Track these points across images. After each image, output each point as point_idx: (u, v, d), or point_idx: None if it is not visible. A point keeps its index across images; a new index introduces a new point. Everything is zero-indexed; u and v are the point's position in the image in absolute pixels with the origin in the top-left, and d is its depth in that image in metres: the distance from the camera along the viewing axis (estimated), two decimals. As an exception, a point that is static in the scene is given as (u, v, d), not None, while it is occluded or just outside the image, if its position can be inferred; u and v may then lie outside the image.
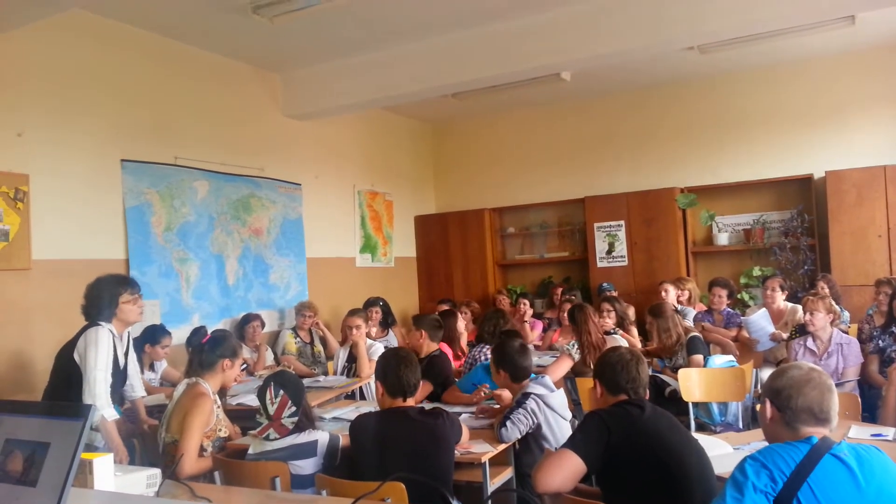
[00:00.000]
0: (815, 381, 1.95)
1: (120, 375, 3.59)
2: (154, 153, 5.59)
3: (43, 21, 4.60)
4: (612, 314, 5.62)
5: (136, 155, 5.45)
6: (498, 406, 3.84)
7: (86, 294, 3.60)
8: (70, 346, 3.52)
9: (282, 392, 3.12)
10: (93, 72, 5.18)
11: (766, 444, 2.03)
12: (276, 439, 3.08)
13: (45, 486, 1.46)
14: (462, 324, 5.83)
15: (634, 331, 5.84)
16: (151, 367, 5.08)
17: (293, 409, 3.11)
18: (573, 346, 4.80)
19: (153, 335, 5.00)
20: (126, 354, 3.70)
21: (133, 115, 5.45)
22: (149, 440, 3.82)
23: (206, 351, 3.47)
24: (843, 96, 7.21)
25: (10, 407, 1.64)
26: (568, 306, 5.74)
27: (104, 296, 3.57)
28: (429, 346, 4.67)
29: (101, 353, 3.43)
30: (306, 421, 3.18)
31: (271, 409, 3.11)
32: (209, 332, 3.86)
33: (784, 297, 5.85)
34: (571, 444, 2.49)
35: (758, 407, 3.05)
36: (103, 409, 3.38)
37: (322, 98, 6.80)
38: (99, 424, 3.36)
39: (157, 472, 2.29)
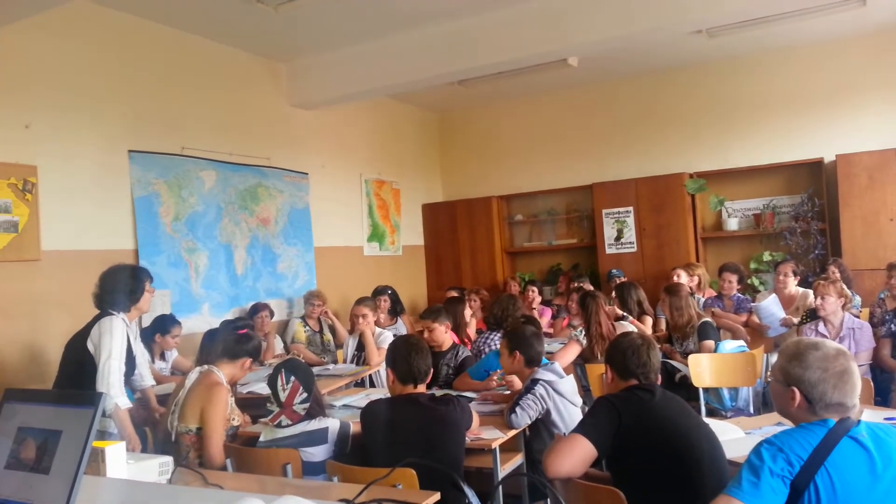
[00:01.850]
0: (847, 371, 1.89)
1: (130, 364, 3.61)
2: (161, 144, 5.59)
3: (49, 13, 4.60)
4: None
5: (144, 145, 5.45)
6: (508, 392, 3.84)
7: (102, 283, 3.61)
8: (82, 336, 3.54)
9: (293, 378, 3.13)
10: (99, 63, 5.18)
11: (778, 428, 2.01)
12: (288, 426, 3.09)
13: (58, 473, 1.46)
14: (469, 311, 5.82)
15: (649, 320, 5.79)
16: (162, 357, 5.10)
17: (304, 395, 3.12)
18: (581, 332, 4.78)
19: (163, 325, 5.03)
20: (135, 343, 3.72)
21: (140, 106, 5.45)
22: (161, 428, 3.84)
23: (237, 341, 3.50)
24: (853, 79, 7.13)
25: (22, 395, 1.65)
26: (575, 296, 5.73)
27: (126, 285, 3.58)
28: (449, 337, 4.68)
29: (116, 342, 3.45)
30: (317, 408, 3.19)
31: (283, 396, 3.12)
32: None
33: (796, 282, 5.81)
34: (582, 429, 2.49)
35: (768, 380, 3.01)
36: (117, 397, 3.40)
37: (328, 87, 6.78)
38: (112, 412, 3.38)
39: (169, 459, 2.30)
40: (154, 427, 3.88)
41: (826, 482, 1.75)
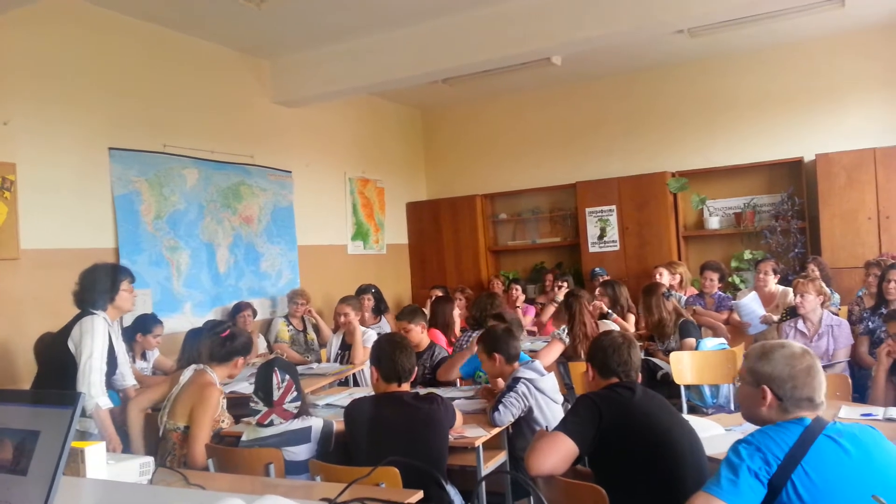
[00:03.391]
0: (814, 368, 1.93)
1: (112, 364, 3.58)
2: (142, 141, 5.54)
3: (29, 8, 4.55)
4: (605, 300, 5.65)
5: (125, 143, 5.40)
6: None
7: (80, 281, 3.58)
8: (62, 335, 3.50)
9: (287, 377, 3.13)
10: (80, 59, 5.12)
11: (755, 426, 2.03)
12: (280, 424, 3.08)
13: (36, 474, 1.44)
14: (456, 311, 5.82)
15: (632, 317, 5.83)
16: (143, 357, 5.06)
17: (296, 393, 3.12)
18: (564, 331, 4.80)
19: (144, 324, 4.98)
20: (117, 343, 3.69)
21: (121, 103, 5.39)
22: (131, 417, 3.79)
23: (222, 344, 3.48)
24: (833, 79, 7.21)
25: (-1, 396, 1.63)
26: (562, 291, 5.73)
27: (103, 283, 3.55)
28: (425, 336, 4.67)
29: (97, 341, 3.42)
30: (302, 406, 3.18)
31: (277, 394, 3.10)
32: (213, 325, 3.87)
33: (776, 280, 5.88)
34: (563, 426, 2.50)
35: (737, 384, 3.04)
36: (98, 397, 3.37)
37: (311, 84, 6.75)
38: (93, 413, 3.35)
39: (149, 460, 2.28)
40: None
41: (804, 480, 1.76)
